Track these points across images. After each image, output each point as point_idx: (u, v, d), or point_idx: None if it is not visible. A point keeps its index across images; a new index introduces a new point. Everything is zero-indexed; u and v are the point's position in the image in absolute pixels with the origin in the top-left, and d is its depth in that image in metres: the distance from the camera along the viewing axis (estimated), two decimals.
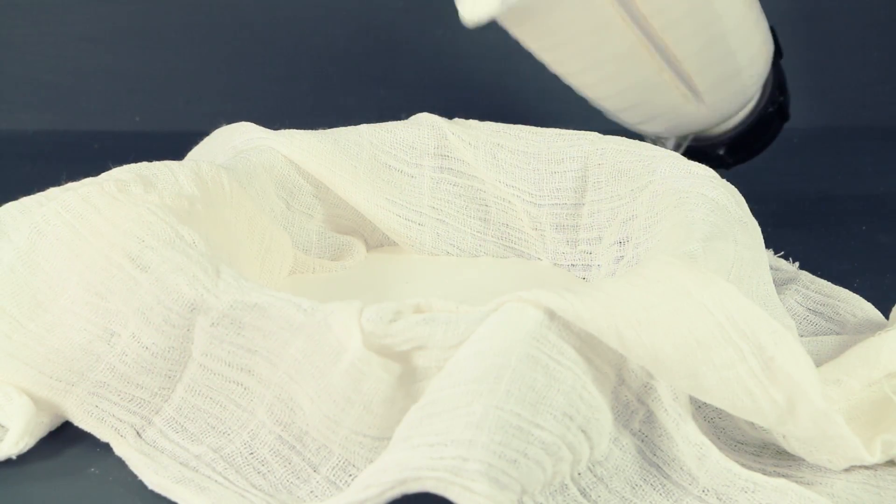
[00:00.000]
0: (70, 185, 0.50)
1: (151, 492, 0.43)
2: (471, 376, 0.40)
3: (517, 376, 0.40)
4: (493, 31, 0.60)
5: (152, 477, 0.44)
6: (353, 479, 0.43)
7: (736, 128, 0.68)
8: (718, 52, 0.61)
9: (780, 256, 0.61)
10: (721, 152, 0.69)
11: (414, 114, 0.63)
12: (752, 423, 0.45)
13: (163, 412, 0.46)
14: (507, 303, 0.43)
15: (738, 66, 0.62)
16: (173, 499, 0.43)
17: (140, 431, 0.46)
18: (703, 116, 0.65)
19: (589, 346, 0.43)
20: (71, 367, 0.46)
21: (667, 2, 0.56)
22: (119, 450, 0.45)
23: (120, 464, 0.45)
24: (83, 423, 0.46)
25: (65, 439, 0.46)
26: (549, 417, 0.40)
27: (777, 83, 0.68)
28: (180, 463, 0.44)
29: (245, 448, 0.45)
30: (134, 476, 0.44)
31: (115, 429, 0.46)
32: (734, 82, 0.64)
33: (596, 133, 0.60)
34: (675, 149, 0.68)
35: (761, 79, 0.66)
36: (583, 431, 0.41)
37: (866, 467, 0.45)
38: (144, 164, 0.51)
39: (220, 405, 0.45)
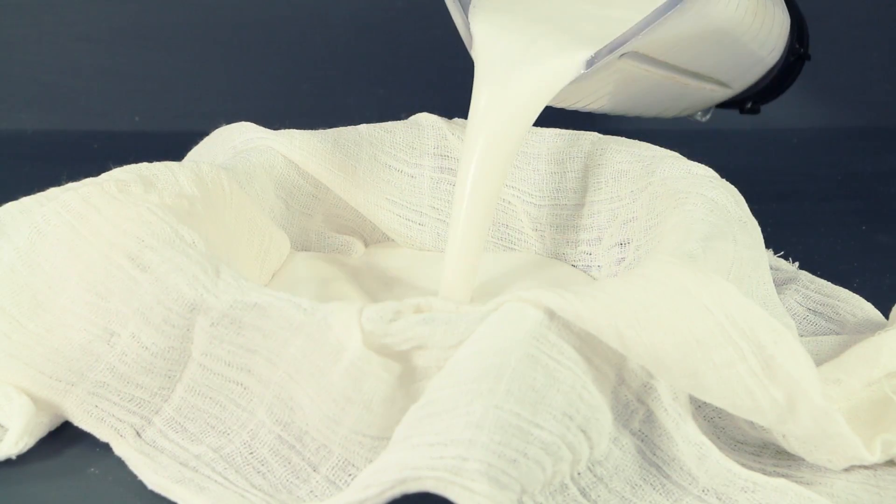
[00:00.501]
0: (70, 185, 0.50)
1: (151, 492, 0.43)
2: (470, 376, 0.40)
3: (517, 376, 0.40)
4: None
5: (152, 477, 0.44)
6: (352, 479, 0.43)
7: (760, 82, 0.68)
8: (740, 55, 0.61)
9: (780, 256, 0.61)
10: (749, 105, 0.71)
11: (414, 114, 0.63)
12: (752, 423, 0.45)
13: (162, 412, 0.46)
14: (506, 303, 0.43)
15: (760, 56, 0.63)
16: (173, 499, 0.43)
17: (140, 431, 0.46)
18: (730, 93, 0.67)
19: (589, 346, 0.43)
20: (71, 367, 0.46)
21: (683, 46, 0.56)
22: (119, 450, 0.45)
23: (120, 464, 0.45)
24: (83, 423, 0.46)
25: (65, 439, 0.46)
26: (549, 417, 0.40)
27: (797, 34, 0.69)
28: (180, 463, 0.44)
29: (245, 448, 0.45)
30: (134, 476, 0.44)
31: (115, 429, 0.46)
32: (758, 67, 0.65)
33: (596, 133, 0.60)
34: (704, 115, 0.70)
35: (781, 51, 0.66)
36: (583, 431, 0.41)
37: (866, 467, 0.45)
38: (144, 164, 0.51)
39: (220, 405, 0.45)
